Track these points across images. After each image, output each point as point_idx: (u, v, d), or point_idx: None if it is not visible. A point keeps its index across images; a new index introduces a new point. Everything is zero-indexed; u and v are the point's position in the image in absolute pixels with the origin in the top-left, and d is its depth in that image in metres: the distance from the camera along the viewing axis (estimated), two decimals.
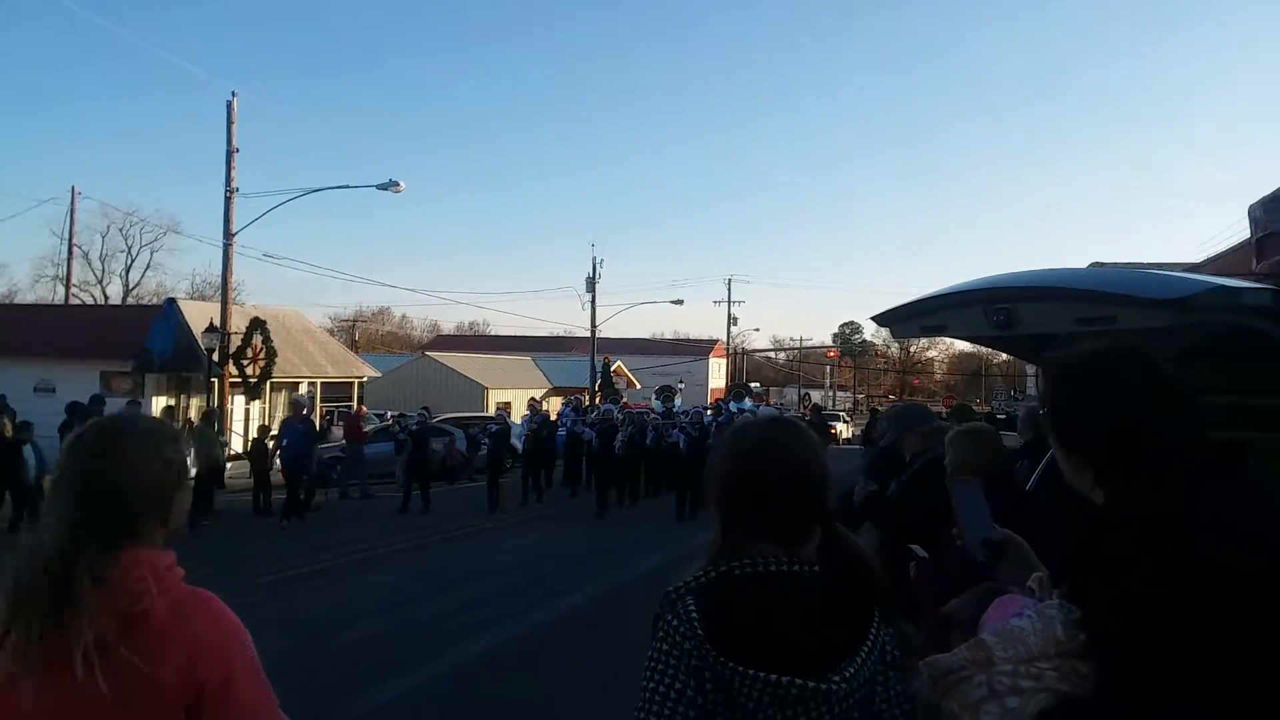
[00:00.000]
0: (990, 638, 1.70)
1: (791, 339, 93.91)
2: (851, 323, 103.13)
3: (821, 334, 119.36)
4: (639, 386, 45.88)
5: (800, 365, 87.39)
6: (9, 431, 15.40)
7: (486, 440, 19.76)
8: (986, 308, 3.57)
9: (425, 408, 21.33)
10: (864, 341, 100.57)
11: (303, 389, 29.68)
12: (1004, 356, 63.52)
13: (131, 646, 1.68)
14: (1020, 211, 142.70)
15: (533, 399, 24.36)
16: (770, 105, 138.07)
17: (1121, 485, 1.70)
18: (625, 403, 25.25)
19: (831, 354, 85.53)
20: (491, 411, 29.22)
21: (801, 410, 35.61)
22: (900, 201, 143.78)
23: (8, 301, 50.06)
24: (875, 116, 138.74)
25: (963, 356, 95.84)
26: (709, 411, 21.07)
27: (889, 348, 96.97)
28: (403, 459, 19.22)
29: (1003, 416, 21.94)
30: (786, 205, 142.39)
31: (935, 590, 3.48)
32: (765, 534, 1.76)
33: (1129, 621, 1.54)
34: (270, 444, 18.50)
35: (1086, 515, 1.76)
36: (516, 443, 21.39)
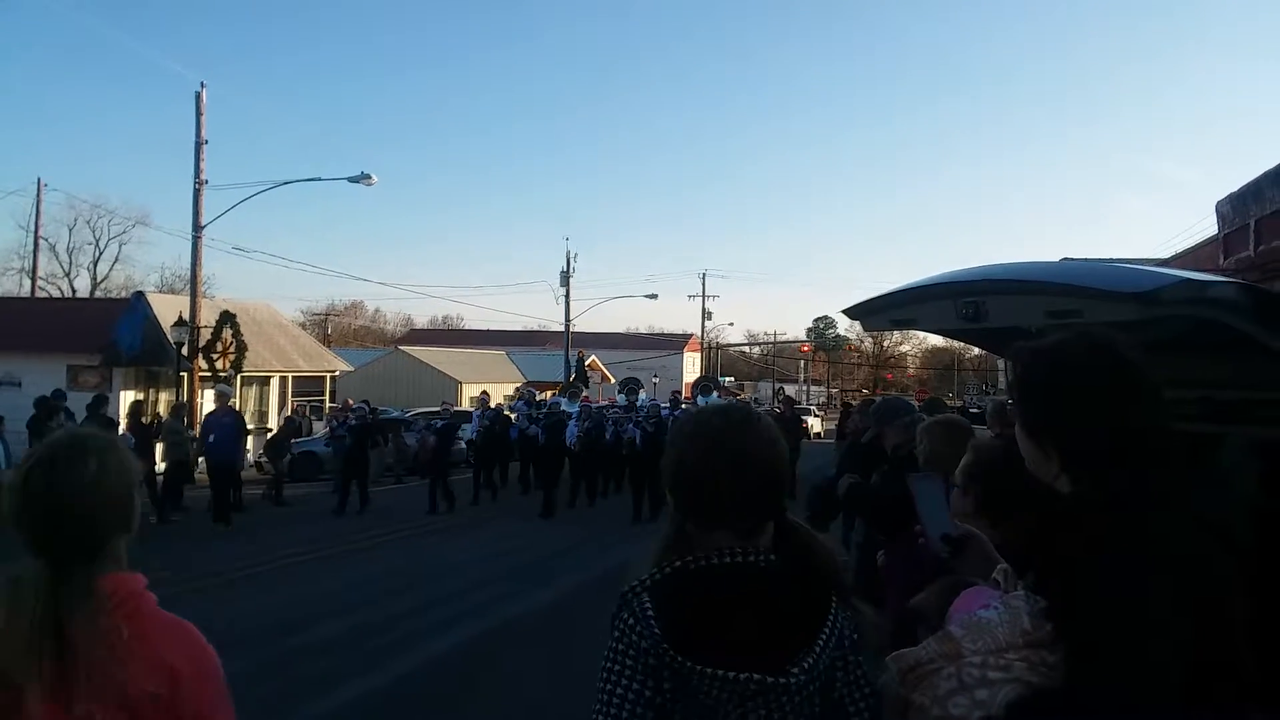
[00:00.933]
0: (958, 630, 1.70)
1: (766, 333, 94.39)
2: (825, 317, 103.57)
3: (795, 328, 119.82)
4: (613, 381, 45.89)
5: (774, 360, 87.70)
6: None
7: (432, 436, 18.68)
8: (956, 301, 3.57)
9: (365, 401, 20.38)
10: (837, 336, 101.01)
11: (274, 383, 29.47)
12: (976, 351, 64.16)
13: (114, 675, 1.71)
14: (993, 206, 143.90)
15: (483, 392, 23.24)
16: (742, 99, 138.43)
17: (1084, 473, 1.71)
18: (586, 397, 24.38)
19: (805, 348, 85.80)
20: (467, 405, 28.29)
21: (775, 405, 35.61)
22: (873, 196, 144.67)
23: None
24: (845, 109, 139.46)
25: (935, 351, 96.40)
26: (667, 406, 20.28)
27: (862, 342, 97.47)
28: (339, 456, 18.18)
29: (975, 410, 22.06)
30: (760, 200, 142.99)
31: (902, 581, 3.50)
32: (720, 524, 1.73)
33: (1091, 609, 1.54)
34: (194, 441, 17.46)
35: (1049, 504, 1.76)
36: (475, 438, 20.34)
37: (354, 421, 17.98)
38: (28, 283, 43.23)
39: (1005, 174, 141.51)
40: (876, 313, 4.12)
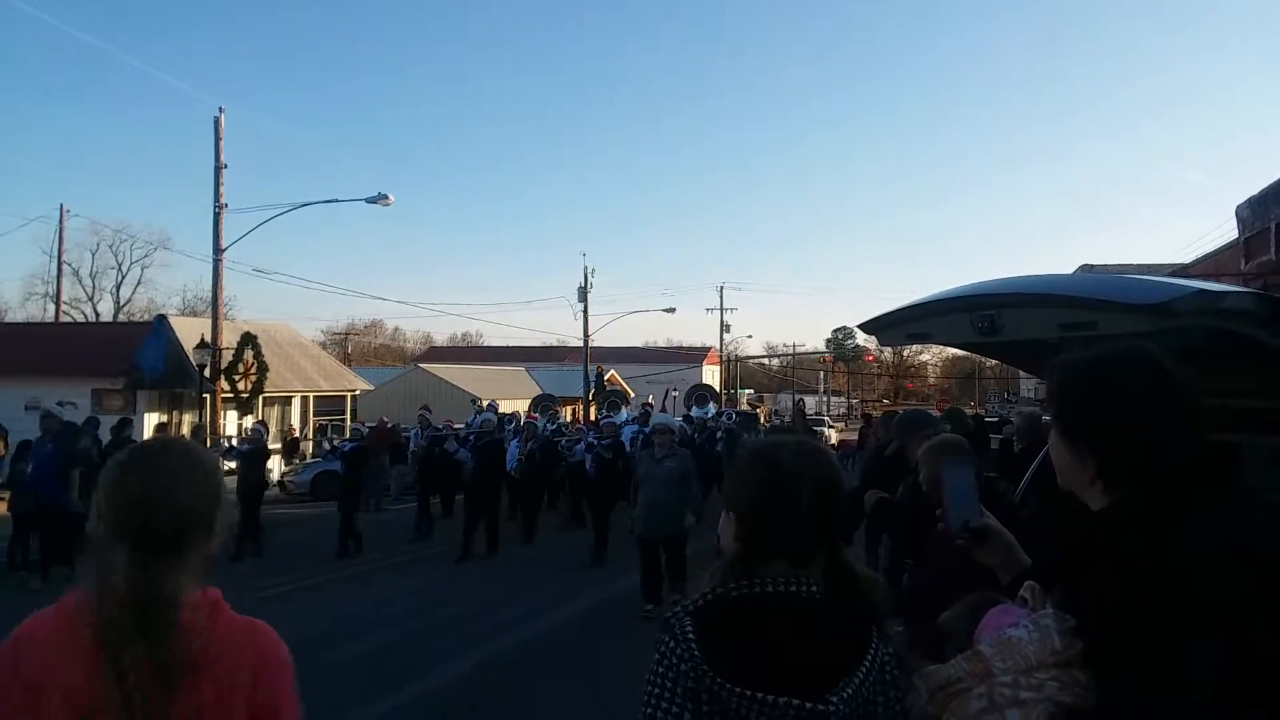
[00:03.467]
0: (987, 648, 1.68)
1: (785, 345, 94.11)
2: (844, 328, 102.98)
3: (815, 340, 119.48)
4: (633, 395, 45.92)
5: (794, 371, 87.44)
6: (2, 451, 15.30)
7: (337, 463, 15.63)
8: (971, 315, 3.58)
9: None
10: (857, 346, 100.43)
11: (295, 403, 29.65)
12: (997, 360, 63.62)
13: (200, 678, 1.76)
14: (1011, 216, 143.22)
15: (423, 407, 20.17)
16: (761, 111, 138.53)
17: (1119, 484, 1.69)
18: (555, 410, 21.91)
19: (825, 359, 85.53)
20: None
21: (787, 416, 35.14)
22: (891, 208, 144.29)
23: None
24: (863, 122, 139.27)
25: (956, 360, 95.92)
26: (634, 424, 17.88)
27: (882, 352, 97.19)
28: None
29: (993, 419, 21.85)
30: (778, 212, 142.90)
31: (927, 597, 3.48)
32: (783, 554, 1.76)
33: (1124, 627, 1.53)
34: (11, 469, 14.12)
35: (1078, 519, 1.76)
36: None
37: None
38: (51, 307, 43.75)
39: (1022, 184, 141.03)
40: (892, 327, 4.13)
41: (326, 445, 18.08)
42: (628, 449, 15.04)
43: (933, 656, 1.85)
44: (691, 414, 22.83)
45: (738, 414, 37.60)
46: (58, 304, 41.46)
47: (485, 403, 22.42)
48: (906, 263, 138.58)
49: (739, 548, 1.81)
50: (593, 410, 34.95)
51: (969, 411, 15.86)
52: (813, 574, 1.76)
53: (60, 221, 37.46)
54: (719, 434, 20.21)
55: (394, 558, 13.95)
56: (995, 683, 1.63)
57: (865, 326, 4.32)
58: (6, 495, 14.07)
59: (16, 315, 54.75)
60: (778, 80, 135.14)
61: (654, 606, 9.50)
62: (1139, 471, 1.67)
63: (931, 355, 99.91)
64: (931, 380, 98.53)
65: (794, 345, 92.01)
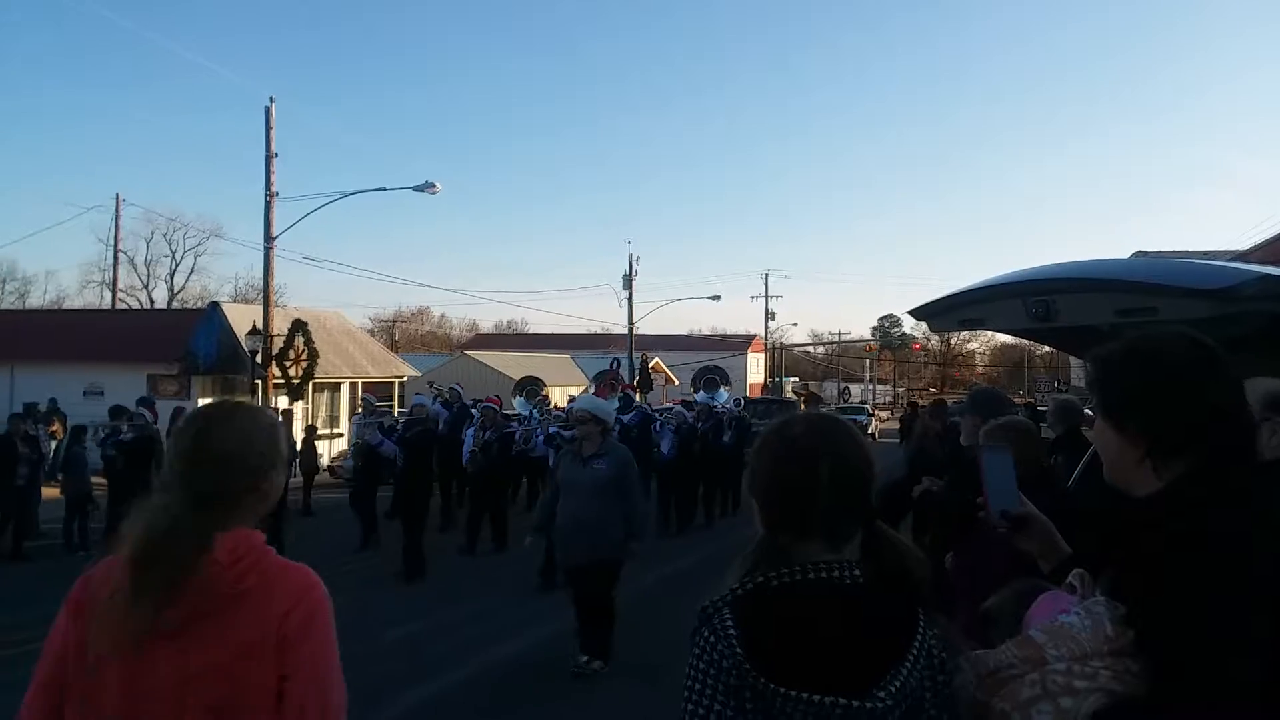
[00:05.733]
0: (1040, 635, 1.67)
1: (830, 333, 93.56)
2: (890, 316, 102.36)
3: (860, 328, 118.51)
4: (677, 383, 45.84)
5: (839, 359, 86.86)
6: (60, 434, 15.73)
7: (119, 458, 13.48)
8: (1025, 300, 3.54)
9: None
10: (903, 335, 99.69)
11: (344, 389, 30.03)
12: (1048, 349, 62.72)
13: (235, 609, 1.88)
14: (1061, 202, 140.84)
15: (365, 396, 17.90)
16: (807, 96, 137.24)
17: (1169, 463, 1.66)
18: (544, 394, 18.99)
19: (870, 347, 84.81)
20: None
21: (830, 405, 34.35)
22: (937, 193, 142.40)
23: (57, 307, 51.12)
24: (908, 104, 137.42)
25: (1005, 349, 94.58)
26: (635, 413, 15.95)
27: (929, 340, 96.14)
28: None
29: (1044, 409, 21.53)
30: (823, 199, 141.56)
31: (970, 585, 3.45)
32: (812, 535, 1.71)
33: (1174, 614, 1.51)
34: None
35: (1128, 507, 1.73)
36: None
37: (365, 437, 13.58)
38: (108, 295, 44.71)
39: (1073, 169, 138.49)
40: (944, 313, 4.09)
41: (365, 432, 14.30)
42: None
43: (977, 642, 1.84)
44: (697, 399, 19.57)
45: (776, 402, 37.30)
46: (114, 291, 42.33)
47: (446, 387, 19.03)
48: (952, 252, 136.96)
49: (764, 533, 1.77)
50: (639, 397, 35.00)
51: (1018, 400, 15.58)
52: (851, 556, 1.72)
53: (116, 211, 38.28)
54: (727, 423, 17.73)
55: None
56: (1049, 670, 1.61)
57: (916, 313, 4.28)
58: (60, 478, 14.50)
59: (74, 302, 56.08)
60: (824, 61, 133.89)
61: (588, 658, 7.29)
62: (1189, 449, 1.64)
63: (979, 344, 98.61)
64: (980, 369, 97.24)
65: (839, 333, 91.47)
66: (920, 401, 34.22)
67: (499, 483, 13.90)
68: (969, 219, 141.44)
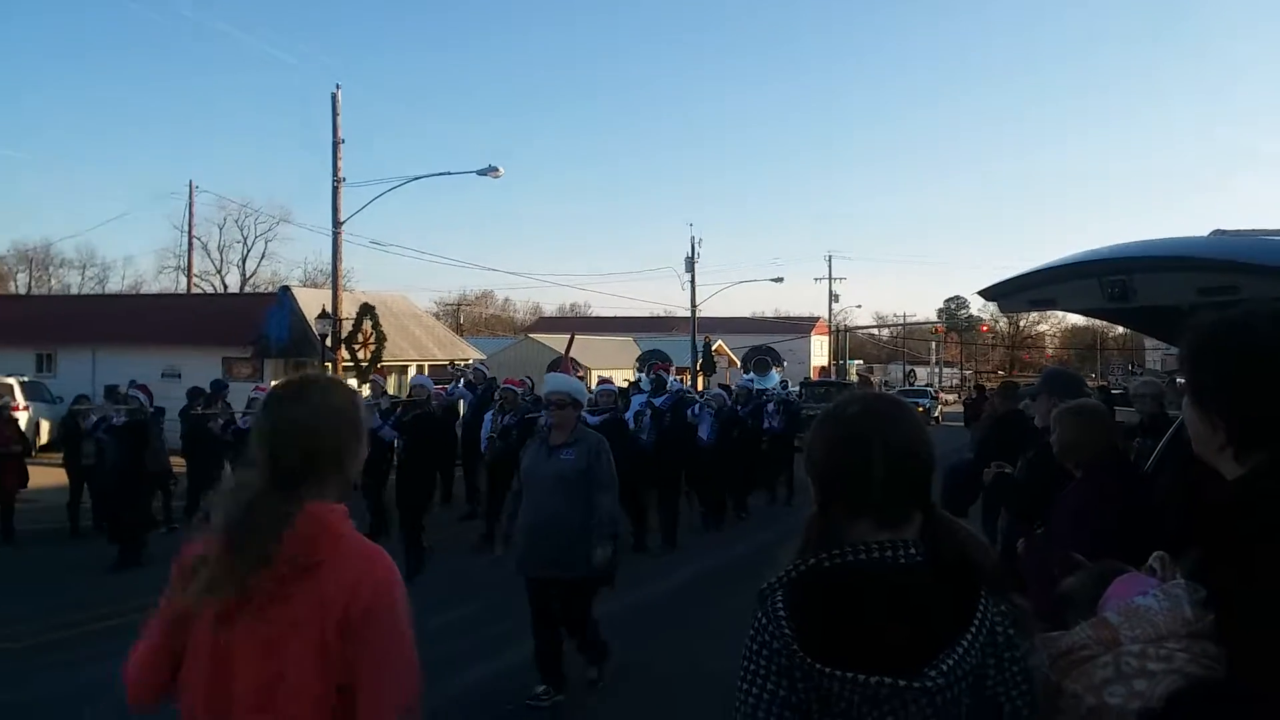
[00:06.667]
0: (1115, 616, 1.65)
1: (895, 315, 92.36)
2: (957, 298, 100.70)
3: (926, 310, 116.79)
4: (739, 365, 45.70)
5: (904, 342, 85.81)
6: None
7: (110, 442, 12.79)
8: (1101, 280, 3.47)
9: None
10: (970, 316, 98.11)
11: (411, 372, 30.50)
12: (1121, 330, 61.21)
13: (309, 585, 1.95)
14: (1132, 179, 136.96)
15: (374, 377, 17.26)
16: (871, 77, 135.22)
17: (1251, 448, 1.63)
18: (581, 375, 16.73)
19: (937, 330, 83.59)
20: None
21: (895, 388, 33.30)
22: (1005, 173, 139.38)
23: (135, 292, 52.68)
24: (971, 82, 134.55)
25: (1076, 330, 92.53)
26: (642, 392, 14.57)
27: (996, 322, 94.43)
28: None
29: (1118, 392, 20.93)
30: (888, 180, 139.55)
31: (1042, 570, 3.41)
32: (864, 514, 1.70)
33: (1261, 600, 1.48)
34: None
35: (1211, 491, 1.70)
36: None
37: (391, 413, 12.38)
38: (184, 280, 45.95)
39: (1147, 143, 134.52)
40: (1014, 293, 4.02)
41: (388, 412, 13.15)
42: (630, 426, 12.41)
43: (1051, 625, 1.82)
44: (749, 382, 18.15)
45: (834, 384, 36.62)
46: (189, 276, 43.51)
47: (468, 363, 17.85)
48: (1020, 232, 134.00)
49: (817, 514, 1.76)
50: (700, 380, 34.99)
51: (1092, 384, 15.16)
52: (907, 536, 1.70)
53: (190, 198, 39.29)
54: (769, 408, 16.75)
55: None
56: (1122, 651, 1.60)
57: (986, 293, 4.22)
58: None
59: (151, 287, 57.83)
60: (889, 39, 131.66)
61: (546, 689, 6.17)
62: (1271, 434, 1.60)
63: (1049, 325, 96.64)
64: (1049, 352, 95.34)
65: (904, 315, 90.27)
66: (988, 385, 33.63)
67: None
68: (1039, 201, 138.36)
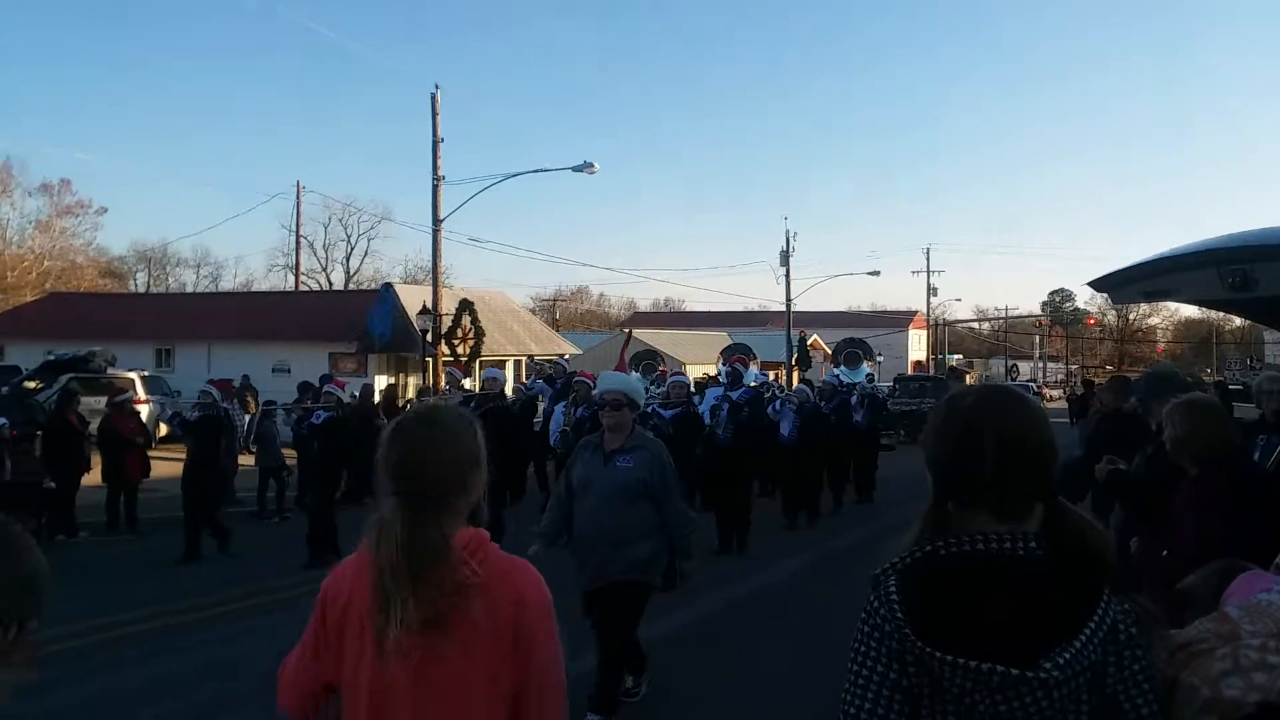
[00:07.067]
0: (1235, 611, 1.63)
1: (996, 309, 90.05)
2: (1062, 290, 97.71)
3: (1029, 303, 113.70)
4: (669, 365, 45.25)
5: (1006, 336, 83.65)
6: (253, 409, 16.87)
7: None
8: (1220, 269, 3.35)
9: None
10: (1076, 310, 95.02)
11: (509, 367, 31.01)
12: (1239, 322, 58.47)
13: (472, 598, 2.05)
14: (1254, 166, 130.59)
15: (450, 369, 17.35)
16: (969, 63, 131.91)
17: None
18: (662, 370, 16.81)
19: (1040, 323, 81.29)
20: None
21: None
22: (1110, 161, 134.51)
23: (246, 290, 54.75)
24: (1086, 72, 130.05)
25: (1190, 323, 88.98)
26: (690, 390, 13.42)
27: (1104, 315, 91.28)
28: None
29: (1236, 387, 19.94)
30: (988, 170, 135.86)
31: (1160, 568, 3.32)
32: (980, 506, 1.68)
33: None
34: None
35: None
36: None
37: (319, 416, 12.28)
38: (292, 278, 47.58)
39: (1271, 128, 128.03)
40: (1127, 284, 3.92)
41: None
42: (706, 421, 12.34)
43: (1169, 623, 1.79)
44: (835, 377, 17.41)
45: (928, 379, 35.72)
46: (296, 274, 45.01)
47: (550, 363, 17.63)
48: (1128, 222, 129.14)
49: (932, 504, 1.75)
50: (795, 375, 34.72)
51: (1208, 379, 14.48)
52: (1027, 529, 1.67)
53: (297, 199, 40.60)
54: (853, 401, 15.95)
55: None
56: (1242, 645, 1.57)
57: (1096, 284, 4.11)
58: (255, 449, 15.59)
59: (261, 285, 60.03)
60: (987, 26, 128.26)
61: (636, 680, 6.03)
62: None
63: (1161, 318, 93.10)
64: (1161, 345, 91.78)
65: (1006, 309, 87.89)
66: (1095, 379, 32.58)
67: None
68: (1147, 190, 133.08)
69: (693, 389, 13.95)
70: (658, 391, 13.81)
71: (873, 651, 1.65)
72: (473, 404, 11.78)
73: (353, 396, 14.89)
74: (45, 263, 51.76)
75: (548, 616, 2.15)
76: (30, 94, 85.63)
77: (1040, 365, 79.80)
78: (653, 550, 5.53)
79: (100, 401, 15.73)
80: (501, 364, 30.42)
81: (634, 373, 16.79)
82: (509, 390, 15.74)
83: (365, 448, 14.82)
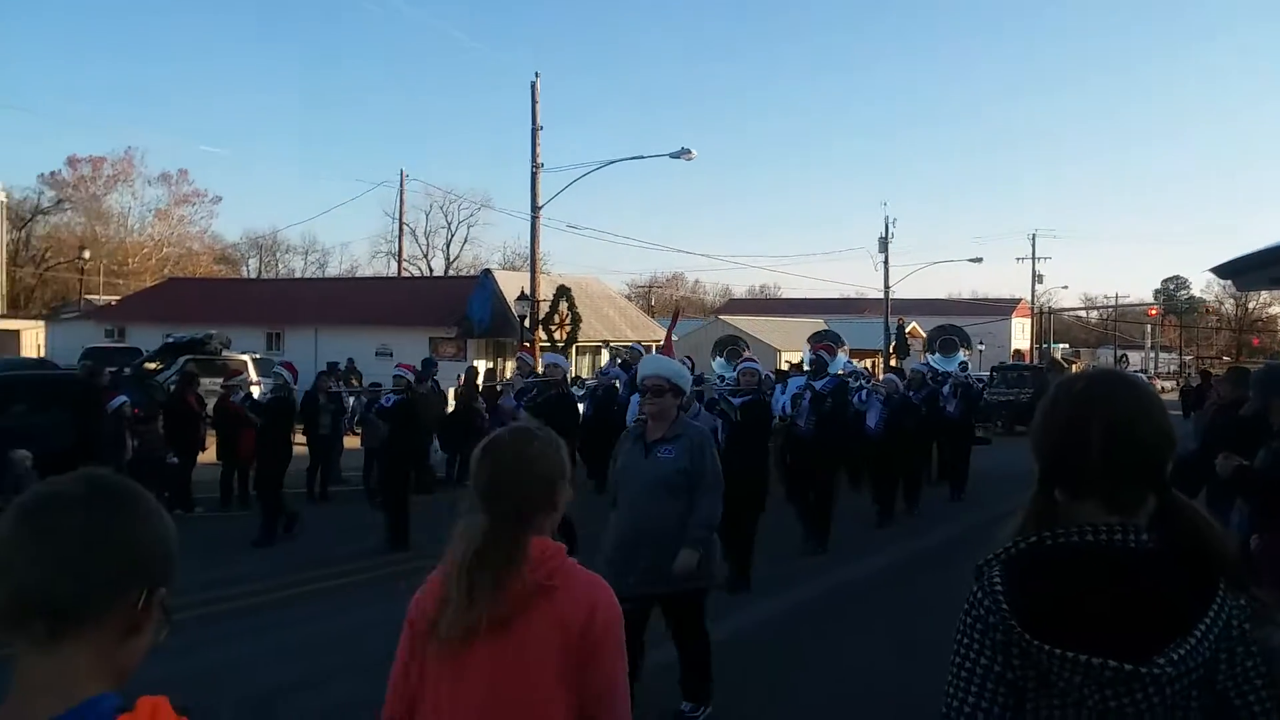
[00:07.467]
0: None
1: (1105, 296, 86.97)
2: (1176, 277, 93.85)
3: (1141, 290, 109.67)
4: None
5: (1115, 325, 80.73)
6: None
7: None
8: None
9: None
10: (1191, 298, 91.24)
11: (605, 353, 31.25)
12: None
13: (544, 609, 2.14)
14: None
15: (521, 355, 17.24)
16: (1078, 40, 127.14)
17: None
18: (746, 356, 14.97)
19: (1152, 312, 78.17)
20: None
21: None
22: (1233, 142, 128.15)
23: (351, 276, 56.32)
24: (1196, 42, 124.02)
25: None
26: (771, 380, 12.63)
27: (1221, 304, 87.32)
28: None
29: None
30: (1095, 150, 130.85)
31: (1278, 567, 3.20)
32: (1089, 496, 1.64)
33: None
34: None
35: None
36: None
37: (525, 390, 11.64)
38: (394, 264, 48.78)
39: None
40: (1254, 270, 3.77)
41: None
42: (788, 410, 11.47)
43: None
44: (926, 366, 16.37)
45: (1027, 369, 34.52)
46: (399, 261, 46.17)
47: (625, 349, 17.21)
48: (1251, 204, 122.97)
49: (1038, 491, 1.71)
50: (894, 362, 34.15)
51: None
52: (1138, 521, 1.62)
53: (400, 186, 41.60)
54: (945, 391, 15.17)
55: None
56: None
57: (1220, 270, 3.96)
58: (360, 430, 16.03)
59: (365, 271, 61.62)
60: (1090, 12, 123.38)
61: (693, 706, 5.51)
62: None
63: None
64: None
65: (1116, 296, 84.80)
66: (1212, 370, 31.23)
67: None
68: (1266, 169, 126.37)
69: (773, 377, 13.42)
70: (730, 378, 12.76)
71: (975, 644, 1.62)
72: (534, 391, 11.51)
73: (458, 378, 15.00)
74: (164, 249, 54.27)
75: (617, 633, 2.21)
76: (150, 87, 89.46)
77: (1152, 355, 76.77)
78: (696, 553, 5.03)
79: (216, 383, 16.39)
80: (598, 349, 30.74)
81: (718, 358, 16.92)
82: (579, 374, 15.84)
83: (468, 429, 14.87)
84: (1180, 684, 1.52)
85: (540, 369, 12.20)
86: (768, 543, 9.55)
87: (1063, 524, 1.64)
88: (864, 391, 13.17)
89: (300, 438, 13.57)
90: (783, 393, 12.13)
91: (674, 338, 14.15)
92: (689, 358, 14.87)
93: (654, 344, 33.93)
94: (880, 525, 12.45)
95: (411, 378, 12.39)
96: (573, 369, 26.31)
